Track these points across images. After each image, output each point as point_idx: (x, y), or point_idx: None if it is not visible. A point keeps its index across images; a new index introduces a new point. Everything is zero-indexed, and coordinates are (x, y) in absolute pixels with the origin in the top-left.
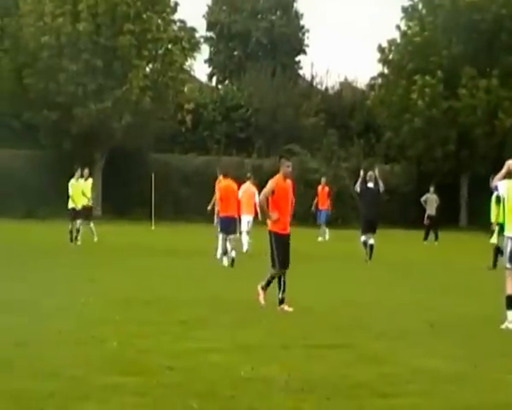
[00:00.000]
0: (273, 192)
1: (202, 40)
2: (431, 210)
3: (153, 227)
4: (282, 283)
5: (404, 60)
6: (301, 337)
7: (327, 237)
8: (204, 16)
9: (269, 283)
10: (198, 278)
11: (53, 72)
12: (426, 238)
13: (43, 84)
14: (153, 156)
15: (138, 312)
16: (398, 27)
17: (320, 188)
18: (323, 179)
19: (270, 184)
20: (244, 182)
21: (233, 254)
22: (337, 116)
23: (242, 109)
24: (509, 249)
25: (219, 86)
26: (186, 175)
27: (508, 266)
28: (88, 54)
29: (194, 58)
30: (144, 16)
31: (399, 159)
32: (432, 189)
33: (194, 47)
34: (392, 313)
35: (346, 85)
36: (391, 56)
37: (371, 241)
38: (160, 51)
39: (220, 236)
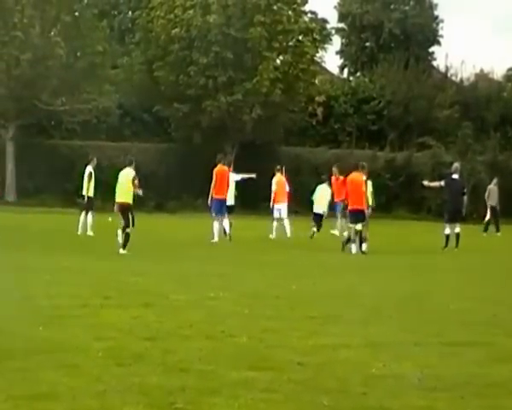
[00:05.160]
0: None
1: (334, 31)
2: (493, 201)
3: None
4: None
5: None
6: (435, 334)
7: (336, 231)
8: (335, 7)
9: None
10: (330, 271)
11: (183, 64)
12: (490, 229)
13: (174, 76)
14: (283, 149)
15: (267, 307)
16: None
17: (333, 179)
18: (335, 169)
19: None
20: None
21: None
22: (472, 108)
23: (374, 101)
24: None
25: (351, 78)
26: (317, 168)
27: None
28: (218, 46)
29: (326, 50)
30: (275, 7)
31: None
32: (495, 181)
33: (326, 38)
34: None
35: (482, 77)
36: None
37: (457, 229)
38: (291, 43)
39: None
